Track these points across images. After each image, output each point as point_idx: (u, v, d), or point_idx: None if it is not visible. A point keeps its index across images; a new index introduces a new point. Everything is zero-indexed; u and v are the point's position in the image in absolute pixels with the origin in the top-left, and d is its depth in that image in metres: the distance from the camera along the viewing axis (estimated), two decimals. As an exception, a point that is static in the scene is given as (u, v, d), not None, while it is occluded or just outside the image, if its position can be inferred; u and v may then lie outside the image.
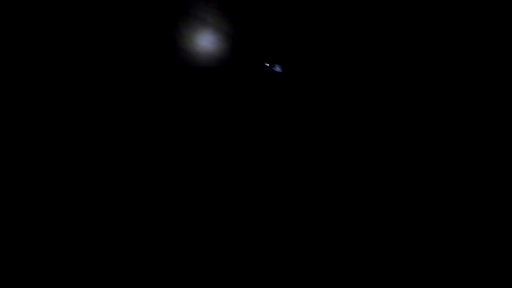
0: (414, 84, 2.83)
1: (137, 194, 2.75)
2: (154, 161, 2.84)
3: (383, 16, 2.73)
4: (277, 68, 2.40)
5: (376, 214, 2.82)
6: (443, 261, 2.61)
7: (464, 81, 2.71)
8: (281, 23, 2.59)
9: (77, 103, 2.64)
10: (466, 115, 2.73)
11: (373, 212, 2.83)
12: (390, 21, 2.73)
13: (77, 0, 2.46)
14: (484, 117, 2.69)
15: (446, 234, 2.66)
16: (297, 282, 2.67)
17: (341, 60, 2.90)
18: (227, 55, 2.25)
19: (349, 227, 2.82)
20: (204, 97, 2.76)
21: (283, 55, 2.68)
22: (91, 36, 2.58)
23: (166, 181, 2.84)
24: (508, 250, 2.46)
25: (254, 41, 2.37)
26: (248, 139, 2.98)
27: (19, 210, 2.44)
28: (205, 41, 2.30)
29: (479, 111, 2.69)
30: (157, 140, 2.85)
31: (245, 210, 2.89)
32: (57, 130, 2.61)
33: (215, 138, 2.95)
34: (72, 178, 2.62)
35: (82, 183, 2.64)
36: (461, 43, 2.68)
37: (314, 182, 2.96)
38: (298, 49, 2.82)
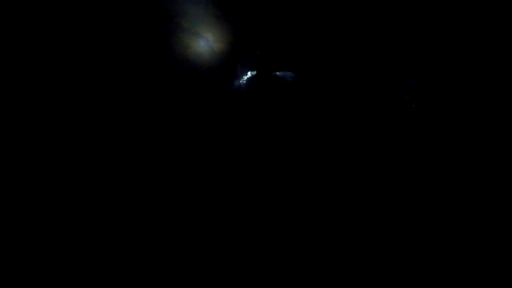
0: (413, 84, 2.82)
1: (134, 193, 2.75)
2: (150, 161, 2.84)
3: (382, 16, 2.73)
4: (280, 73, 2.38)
5: (376, 213, 2.81)
6: (443, 260, 2.60)
7: (464, 81, 2.70)
8: (279, 26, 2.59)
9: (73, 105, 2.64)
10: (466, 115, 2.72)
11: (373, 212, 2.82)
12: (389, 22, 2.73)
13: (74, 2, 2.46)
14: (484, 117, 2.68)
15: (445, 233, 2.66)
16: (297, 281, 2.67)
17: (341, 61, 2.90)
18: (223, 58, 2.25)
19: (349, 226, 2.82)
20: (201, 99, 2.76)
21: (281, 58, 2.67)
22: (88, 33, 2.58)
23: (161, 180, 2.84)
24: (508, 250, 2.45)
25: (250, 44, 2.36)
26: (247, 139, 2.98)
27: (19, 210, 2.44)
28: (202, 45, 2.30)
29: (479, 111, 2.68)
30: (154, 140, 2.85)
31: (245, 210, 2.89)
32: (53, 130, 2.61)
33: (213, 139, 2.95)
34: (68, 177, 2.62)
35: (78, 182, 2.64)
36: (461, 43, 2.67)
37: (314, 181, 2.96)
38: (296, 53, 2.81)
